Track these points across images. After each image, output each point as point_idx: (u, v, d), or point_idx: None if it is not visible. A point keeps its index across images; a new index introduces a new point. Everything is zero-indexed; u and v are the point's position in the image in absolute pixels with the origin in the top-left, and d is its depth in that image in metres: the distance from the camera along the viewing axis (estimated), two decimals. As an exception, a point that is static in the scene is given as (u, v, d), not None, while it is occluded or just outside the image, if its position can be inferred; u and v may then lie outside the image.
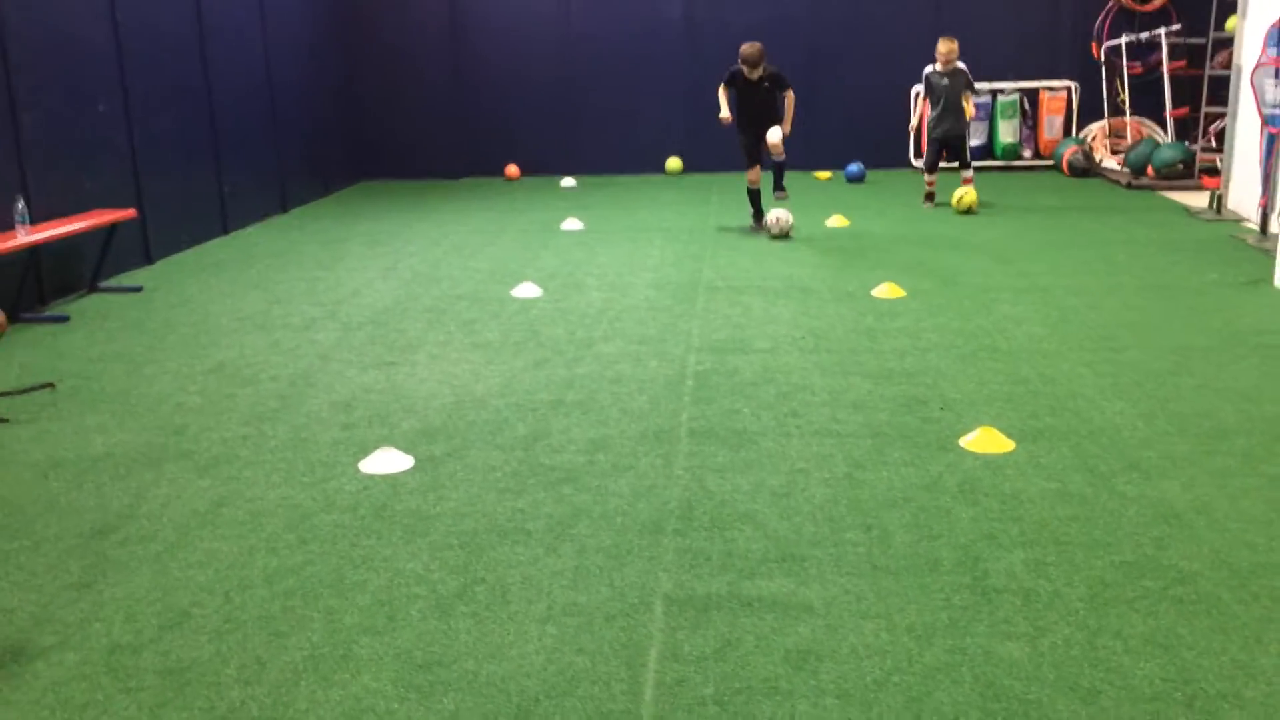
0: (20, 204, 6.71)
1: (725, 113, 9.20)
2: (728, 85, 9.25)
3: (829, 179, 12.92)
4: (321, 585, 3.36)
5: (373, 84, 13.67)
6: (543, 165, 13.87)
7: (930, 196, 10.65)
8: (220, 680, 2.85)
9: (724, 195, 11.85)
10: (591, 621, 3.10)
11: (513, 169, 13.87)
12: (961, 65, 10.29)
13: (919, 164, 12.63)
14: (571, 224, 10.10)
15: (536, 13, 13.61)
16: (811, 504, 3.84)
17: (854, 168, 12.73)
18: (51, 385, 5.36)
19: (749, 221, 9.76)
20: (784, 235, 9.15)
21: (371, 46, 13.59)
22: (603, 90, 13.71)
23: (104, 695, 2.80)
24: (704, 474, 4.15)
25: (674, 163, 13.77)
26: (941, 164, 10.68)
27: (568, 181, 13.37)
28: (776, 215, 9.20)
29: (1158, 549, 3.42)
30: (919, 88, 10.50)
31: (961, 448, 4.31)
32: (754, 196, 9.69)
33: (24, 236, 6.68)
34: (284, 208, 11.39)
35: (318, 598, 3.28)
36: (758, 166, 9.48)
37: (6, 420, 4.94)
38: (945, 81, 10.26)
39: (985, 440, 4.32)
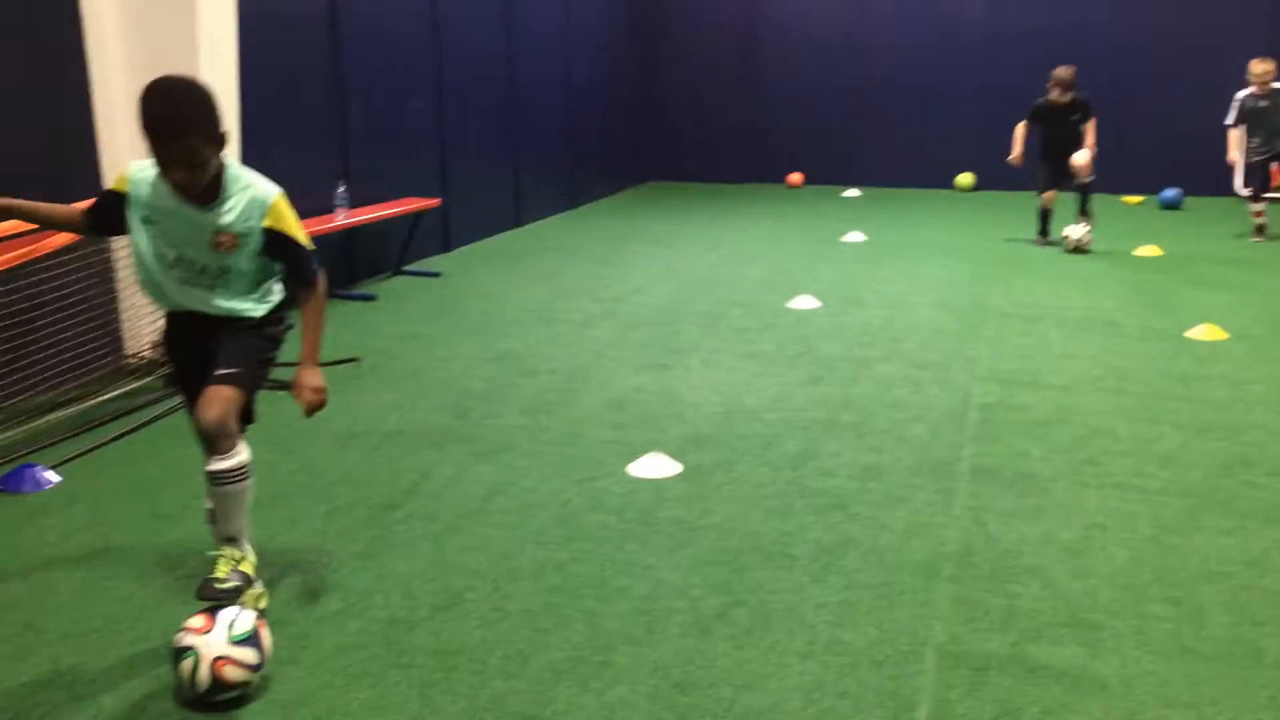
0: (341, 189, 7.25)
1: (1017, 152, 9.14)
2: (1030, 121, 9.16)
3: (1139, 204, 11.94)
4: (584, 586, 3.36)
5: (665, 86, 13.92)
6: (826, 174, 13.65)
7: (1261, 230, 9.60)
8: (485, 669, 2.91)
9: (1017, 215, 11.19)
10: (857, 664, 2.92)
11: (795, 176, 13.74)
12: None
13: (1245, 193, 11.43)
14: (853, 236, 9.85)
15: (833, 19, 13.41)
16: (1110, 566, 3.48)
17: (1170, 193, 11.71)
18: (357, 360, 5.74)
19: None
20: (1080, 250, 8.86)
21: (667, 49, 13.84)
22: (894, 99, 13.33)
23: (378, 667, 2.92)
24: (986, 517, 3.86)
25: (965, 178, 13.18)
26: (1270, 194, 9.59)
27: (851, 192, 13.10)
28: (1075, 228, 8.99)
29: None
30: (1230, 117, 9.43)
31: (1293, 522, 3.80)
32: (1044, 216, 9.40)
33: (343, 219, 7.22)
34: (573, 203, 11.78)
35: (580, 598, 3.29)
36: (1054, 191, 9.25)
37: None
38: (1264, 104, 9.24)
39: (1324, 516, 3.79)
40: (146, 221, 2.90)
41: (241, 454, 2.94)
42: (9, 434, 4.59)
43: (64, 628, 3.12)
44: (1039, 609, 3.22)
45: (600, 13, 12.20)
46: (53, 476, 4.20)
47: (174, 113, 2.72)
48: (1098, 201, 10.12)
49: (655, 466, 4.30)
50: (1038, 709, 2.73)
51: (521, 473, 4.29)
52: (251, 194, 2.88)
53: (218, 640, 2.69)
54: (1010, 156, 9.24)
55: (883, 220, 10.94)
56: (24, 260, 4.44)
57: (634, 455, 4.43)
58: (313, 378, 3.00)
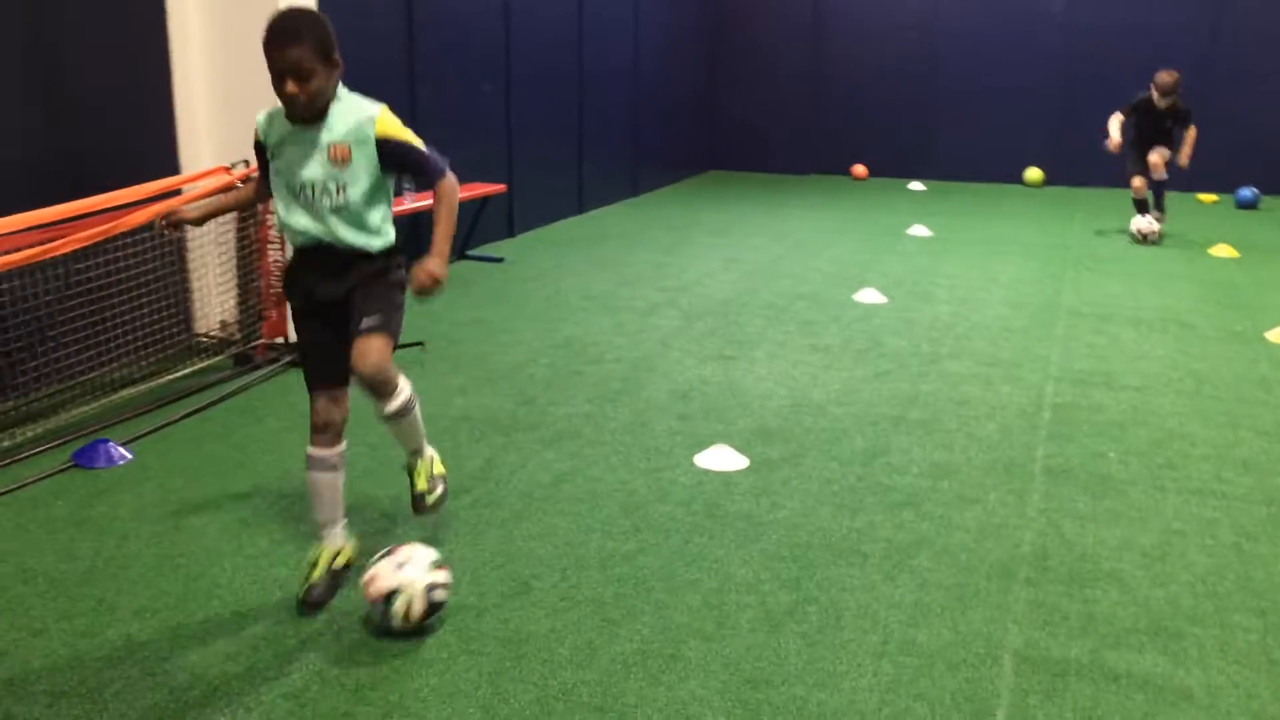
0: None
1: (1116, 138, 9.12)
2: (1129, 113, 9.25)
3: (1215, 202, 11.63)
4: (653, 578, 3.34)
5: (731, 75, 13.82)
6: (891, 167, 13.48)
7: None
8: (554, 658, 2.89)
9: (1089, 211, 10.99)
10: (932, 666, 2.87)
11: (860, 169, 13.58)
12: None
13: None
14: (918, 230, 9.71)
15: (903, 9, 13.19)
16: (1191, 573, 3.39)
17: (1246, 192, 11.39)
18: (422, 345, 5.76)
19: (1120, 239, 9.00)
20: (1148, 241, 9.10)
21: (734, 38, 13.73)
22: (963, 91, 13.11)
23: (448, 654, 2.92)
24: (1061, 520, 3.77)
25: (1034, 173, 12.93)
26: None
27: (915, 185, 12.92)
28: (1142, 220, 9.24)
29: None
30: None
31: (1385, 534, 3.66)
32: (1140, 204, 9.49)
33: (410, 203, 7.24)
34: (635, 191, 11.75)
35: (649, 590, 3.27)
36: (1142, 177, 9.39)
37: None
38: None
39: None
40: (273, 157, 3.05)
41: (405, 391, 3.17)
42: (84, 409, 4.67)
43: (137, 604, 3.17)
44: (1118, 615, 3.14)
45: (668, 4, 12.14)
46: (125, 453, 4.27)
47: (288, 24, 2.88)
48: (1172, 199, 9.93)
49: (722, 459, 4.26)
50: (1120, 717, 2.66)
51: (588, 461, 4.27)
52: (357, 111, 3.00)
53: (419, 573, 2.95)
54: (1109, 143, 9.20)
55: (948, 214, 10.77)
56: (100, 239, 4.51)
57: (700, 447, 4.39)
58: (434, 266, 3.00)
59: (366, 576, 3.00)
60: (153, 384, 5.02)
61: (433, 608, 2.98)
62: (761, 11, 13.60)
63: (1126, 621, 3.10)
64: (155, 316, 5.16)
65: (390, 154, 3.02)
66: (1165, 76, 9.05)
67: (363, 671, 2.83)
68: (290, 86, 2.87)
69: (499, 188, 8.37)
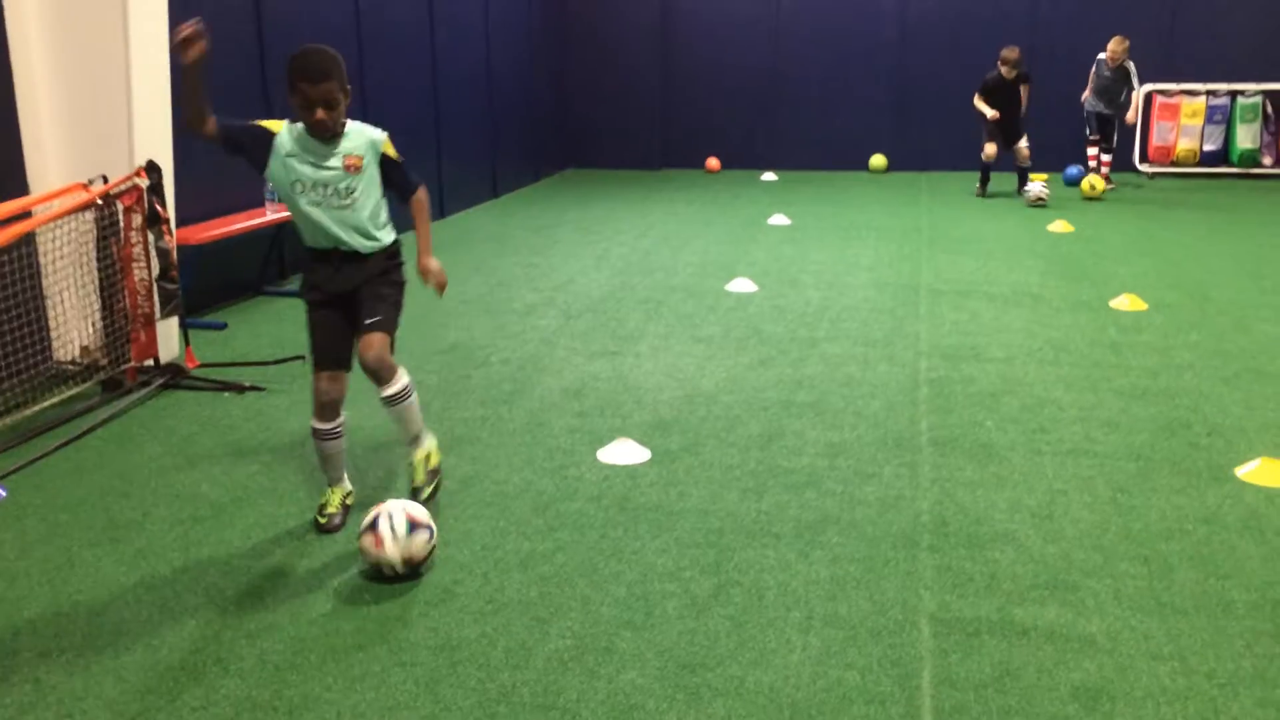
0: (270, 183, 7.05)
1: (993, 112, 10.78)
2: (985, 92, 10.89)
3: (1045, 181, 12.29)
4: (575, 574, 3.36)
5: (582, 74, 13.88)
6: (743, 159, 13.79)
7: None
8: (489, 662, 2.89)
9: (934, 194, 11.50)
10: (856, 635, 2.99)
11: (713, 161, 13.85)
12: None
13: (1145, 169, 12.02)
14: (778, 219, 9.98)
15: (745, 4, 13.50)
16: (1077, 528, 3.62)
17: (1073, 170, 12.11)
18: (302, 357, 5.61)
19: (968, 216, 9.49)
20: (1039, 203, 10.52)
21: (583, 37, 13.79)
22: (808, 84, 13.52)
23: (381, 667, 2.87)
24: (953, 488, 3.97)
25: (878, 160, 13.44)
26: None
27: (768, 176, 13.25)
28: (1035, 185, 10.70)
29: None
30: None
31: (1239, 478, 3.99)
32: (986, 170, 11.07)
33: (272, 214, 7.04)
34: (495, 193, 11.68)
35: (573, 586, 3.29)
36: (994, 144, 10.90)
37: (264, 390, 5.20)
38: (1107, 75, 11.13)
39: (1266, 472, 3.98)
40: (291, 156, 3.51)
41: (403, 378, 3.77)
42: (-56, 448, 4.38)
43: (41, 645, 3.00)
44: (1018, 573, 3.33)
45: (517, 8, 12.09)
46: (-1, 490, 4.03)
47: (319, 63, 3.40)
48: (1005, 180, 10.61)
49: (624, 452, 4.31)
50: (1034, 668, 2.83)
51: (491, 464, 4.26)
52: (368, 133, 3.60)
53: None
54: (989, 114, 10.79)
55: (804, 203, 11.10)
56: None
57: (601, 442, 4.43)
58: (433, 263, 3.84)
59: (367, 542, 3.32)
60: (16, 417, 4.74)
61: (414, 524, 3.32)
62: (609, 12, 13.70)
63: (1027, 578, 3.30)
64: (10, 345, 4.87)
65: (388, 170, 3.65)
66: (1010, 52, 10.70)
67: (294, 693, 2.76)
68: (320, 114, 3.41)
69: (361, 194, 8.19)
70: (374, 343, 3.65)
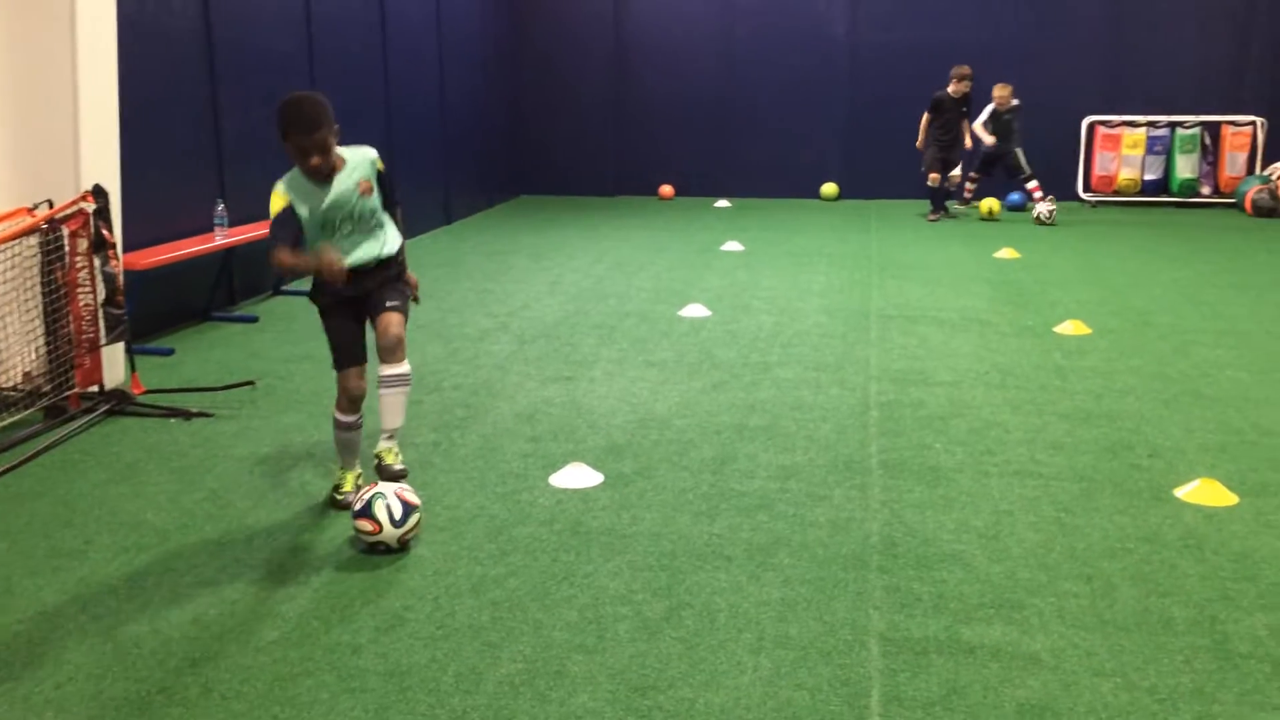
0: (219, 208, 7.02)
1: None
2: (933, 112, 11.44)
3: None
4: (527, 598, 3.36)
5: (536, 101, 13.94)
6: (696, 186, 13.90)
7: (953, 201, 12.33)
8: (440, 687, 2.87)
9: (884, 222, 11.66)
10: (806, 656, 3.01)
11: (667, 188, 13.95)
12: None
13: (1089, 198, 12.33)
14: (732, 245, 10.07)
15: (698, 35, 13.67)
16: (1023, 548, 3.68)
17: (1016, 196, 12.35)
18: (252, 383, 5.56)
19: (917, 243, 9.64)
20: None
21: (537, 65, 13.86)
22: (760, 113, 13.68)
23: (329, 694, 2.84)
24: (902, 509, 4.02)
25: (829, 188, 13.62)
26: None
27: (721, 203, 13.37)
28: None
29: None
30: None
31: (1179, 499, 4.08)
32: (935, 194, 11.61)
33: (221, 239, 6.98)
34: (448, 219, 11.67)
35: (525, 610, 3.28)
36: (937, 174, 11.53)
37: (211, 415, 5.14)
38: (1006, 116, 11.63)
39: (1205, 493, 4.08)
40: (309, 211, 3.83)
41: (408, 364, 4.11)
42: (-121, 476, 4.28)
43: (-22, 676, 2.94)
44: (966, 592, 3.37)
45: (473, 33, 12.15)
46: (-64, 518, 3.94)
47: (309, 114, 3.70)
48: (955, 208, 10.87)
49: (577, 477, 4.32)
50: (980, 686, 2.86)
51: (443, 490, 4.24)
52: (362, 155, 3.95)
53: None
54: (919, 142, 11.65)
55: (757, 229, 11.20)
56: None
57: (554, 467, 4.43)
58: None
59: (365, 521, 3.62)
60: (-45, 443, 4.65)
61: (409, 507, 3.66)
62: (564, 40, 13.79)
63: (973, 598, 3.34)
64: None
65: (384, 183, 4.01)
66: (961, 69, 11.44)
67: (241, 722, 2.73)
68: (316, 160, 3.74)
69: (313, 220, 8.16)
70: (393, 320, 4.03)
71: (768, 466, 4.46)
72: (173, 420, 5.11)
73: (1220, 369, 5.82)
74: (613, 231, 11.15)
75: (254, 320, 7.17)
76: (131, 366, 5.45)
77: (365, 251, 3.96)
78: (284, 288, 8.06)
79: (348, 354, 4.03)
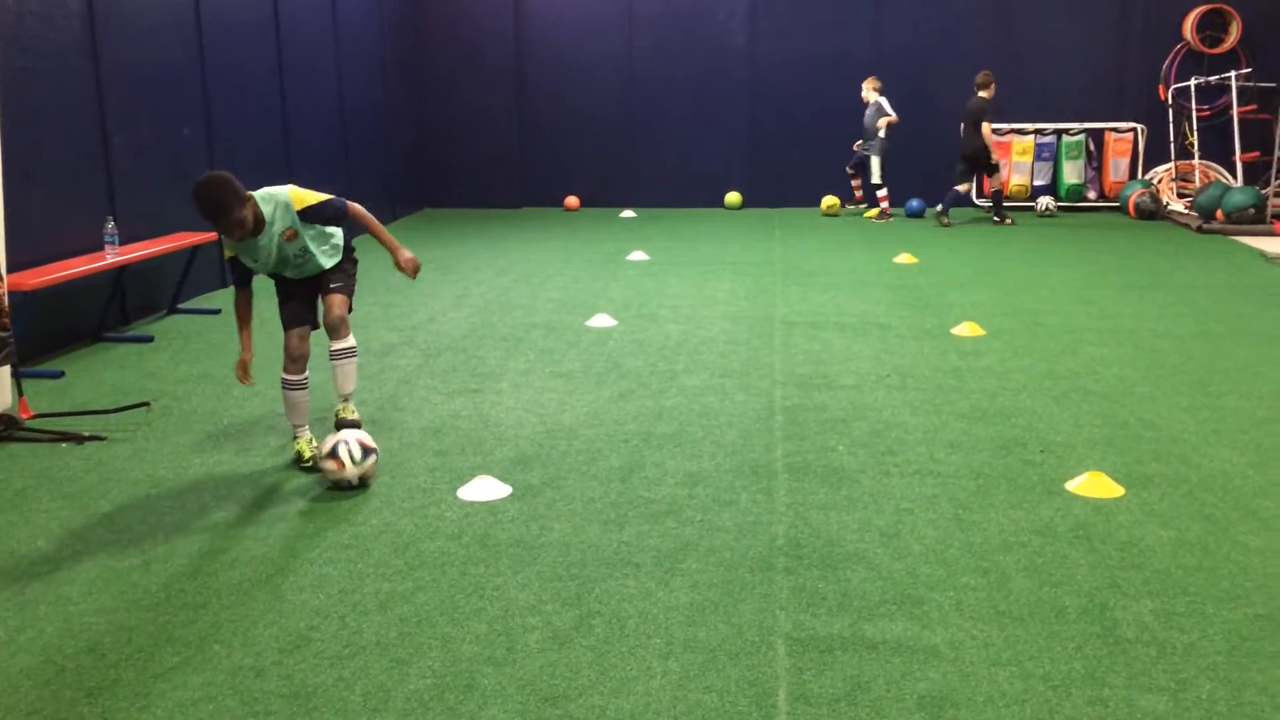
0: (110, 225, 6.82)
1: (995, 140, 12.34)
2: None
3: (875, 216, 12.78)
4: (435, 613, 3.33)
5: (438, 115, 13.84)
6: (602, 197, 13.95)
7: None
8: (347, 707, 2.83)
9: (786, 230, 11.85)
10: (715, 659, 3.05)
11: (573, 200, 13.96)
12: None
13: (982, 203, 12.73)
14: (637, 255, 10.12)
15: (600, 47, 13.73)
16: (922, 544, 3.78)
17: (915, 203, 12.68)
18: (147, 405, 5.41)
19: (819, 250, 9.83)
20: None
21: (439, 79, 13.77)
22: (664, 123, 13.80)
23: (232, 718, 2.79)
24: (807, 511, 4.09)
25: (733, 197, 13.79)
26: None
27: (627, 213, 13.44)
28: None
29: (1291, 602, 3.33)
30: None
31: (1069, 492, 4.23)
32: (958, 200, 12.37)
33: (112, 257, 6.78)
34: (351, 233, 11.47)
35: (433, 625, 3.26)
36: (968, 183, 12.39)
37: (105, 439, 4.98)
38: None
39: (1094, 485, 4.24)
40: (248, 257, 4.45)
41: (352, 338, 4.80)
42: None
43: None
44: (868, 590, 3.45)
45: (371, 47, 12.01)
46: None
47: (217, 199, 4.17)
48: (853, 220, 11.04)
49: (485, 489, 4.30)
50: (883, 681, 2.93)
51: (348, 507, 4.18)
52: (278, 199, 4.40)
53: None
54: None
55: (662, 239, 11.29)
56: None
57: (462, 480, 4.41)
58: (407, 254, 4.81)
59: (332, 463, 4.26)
60: None
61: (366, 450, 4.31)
62: (466, 56, 13.71)
63: (876, 595, 3.42)
64: None
65: (308, 216, 4.47)
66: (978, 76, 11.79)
67: (139, 752, 2.65)
68: (236, 233, 4.25)
69: (209, 236, 7.97)
70: (336, 302, 4.65)
71: (675, 473, 4.50)
72: (64, 445, 4.94)
73: (1107, 366, 6.06)
74: (519, 243, 11.13)
75: (149, 340, 6.97)
76: (19, 390, 5.26)
77: (315, 267, 4.63)
78: (181, 306, 7.86)
79: (293, 317, 4.64)
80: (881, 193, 12.29)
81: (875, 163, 12.24)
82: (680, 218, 13.07)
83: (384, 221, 12.41)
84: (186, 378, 6.08)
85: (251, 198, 4.29)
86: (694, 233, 11.79)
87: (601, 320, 7.34)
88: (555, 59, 13.80)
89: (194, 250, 7.81)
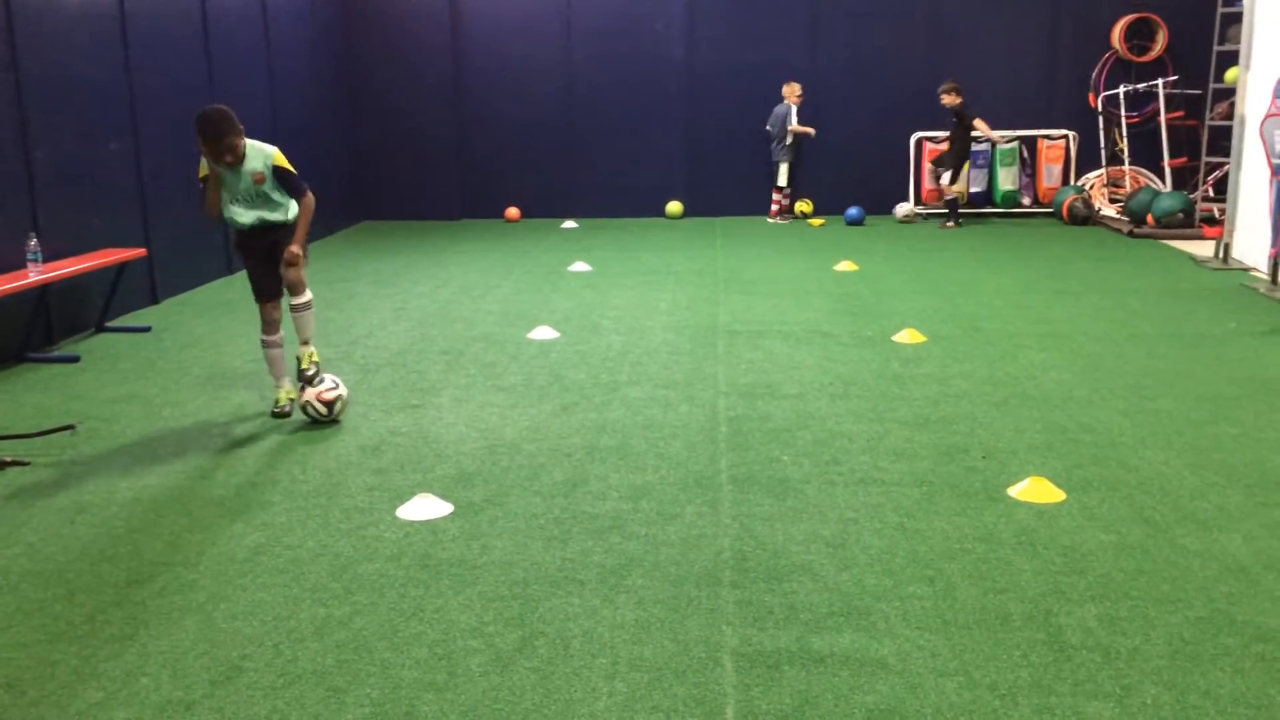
0: (33, 242, 6.61)
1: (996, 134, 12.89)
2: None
3: (822, 225, 12.86)
4: (374, 638, 3.24)
5: (374, 128, 13.66)
6: (543, 208, 13.87)
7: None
8: (281, 740, 2.73)
9: (728, 239, 11.87)
10: (661, 677, 2.99)
11: (513, 211, 13.86)
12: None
13: (920, 210, 12.86)
14: (579, 266, 10.06)
15: (538, 58, 13.64)
16: (868, 554, 3.76)
17: (854, 211, 12.78)
18: (73, 427, 5.23)
19: (760, 259, 9.86)
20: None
21: (374, 91, 13.58)
22: (603, 133, 13.75)
23: (160, 756, 2.67)
24: (752, 523, 4.06)
25: (674, 206, 13.79)
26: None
27: (568, 224, 13.37)
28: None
29: (1230, 604, 3.36)
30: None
31: (1011, 498, 4.25)
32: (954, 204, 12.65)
33: (36, 275, 6.57)
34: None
35: (372, 651, 3.16)
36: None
37: (28, 464, 4.81)
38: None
39: (1035, 490, 4.26)
40: (221, 180, 5.17)
41: (309, 293, 5.55)
42: None
43: None
44: (815, 602, 3.42)
45: (304, 58, 11.81)
46: None
47: (220, 123, 5.01)
48: (795, 226, 11.07)
49: (425, 508, 4.21)
50: (831, 695, 2.90)
51: (283, 529, 4.07)
52: (262, 151, 5.24)
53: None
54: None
55: (604, 249, 11.24)
56: None
57: (401, 499, 4.31)
58: (294, 245, 5.30)
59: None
60: None
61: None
62: (401, 68, 13.53)
63: (823, 607, 3.39)
64: None
65: (280, 176, 5.28)
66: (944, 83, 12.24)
67: (61, 795, 2.53)
68: (228, 158, 5.08)
69: (138, 252, 7.77)
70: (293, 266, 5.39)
71: (619, 487, 4.44)
72: (-17, 471, 4.75)
73: (1045, 371, 6.12)
74: (459, 255, 11.01)
75: (75, 360, 6.76)
76: (-65, 415, 5.05)
77: (265, 214, 5.30)
78: (110, 324, 7.64)
79: (261, 289, 5.44)
80: (778, 195, 12.96)
81: (783, 169, 12.89)
82: (622, 228, 13.03)
83: (321, 235, 12.26)
84: (114, 398, 5.90)
85: (244, 135, 5.11)
86: (636, 243, 11.76)
87: (543, 332, 7.27)
88: (494, 69, 13.70)
89: (121, 267, 7.60)
